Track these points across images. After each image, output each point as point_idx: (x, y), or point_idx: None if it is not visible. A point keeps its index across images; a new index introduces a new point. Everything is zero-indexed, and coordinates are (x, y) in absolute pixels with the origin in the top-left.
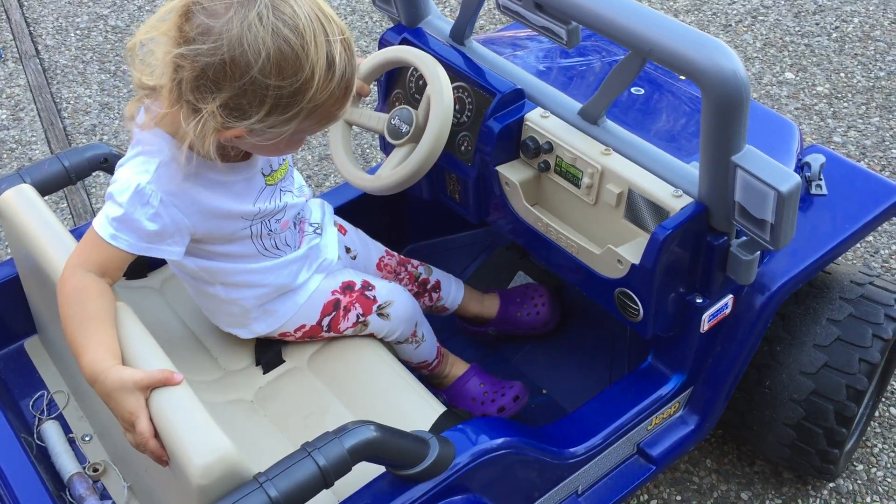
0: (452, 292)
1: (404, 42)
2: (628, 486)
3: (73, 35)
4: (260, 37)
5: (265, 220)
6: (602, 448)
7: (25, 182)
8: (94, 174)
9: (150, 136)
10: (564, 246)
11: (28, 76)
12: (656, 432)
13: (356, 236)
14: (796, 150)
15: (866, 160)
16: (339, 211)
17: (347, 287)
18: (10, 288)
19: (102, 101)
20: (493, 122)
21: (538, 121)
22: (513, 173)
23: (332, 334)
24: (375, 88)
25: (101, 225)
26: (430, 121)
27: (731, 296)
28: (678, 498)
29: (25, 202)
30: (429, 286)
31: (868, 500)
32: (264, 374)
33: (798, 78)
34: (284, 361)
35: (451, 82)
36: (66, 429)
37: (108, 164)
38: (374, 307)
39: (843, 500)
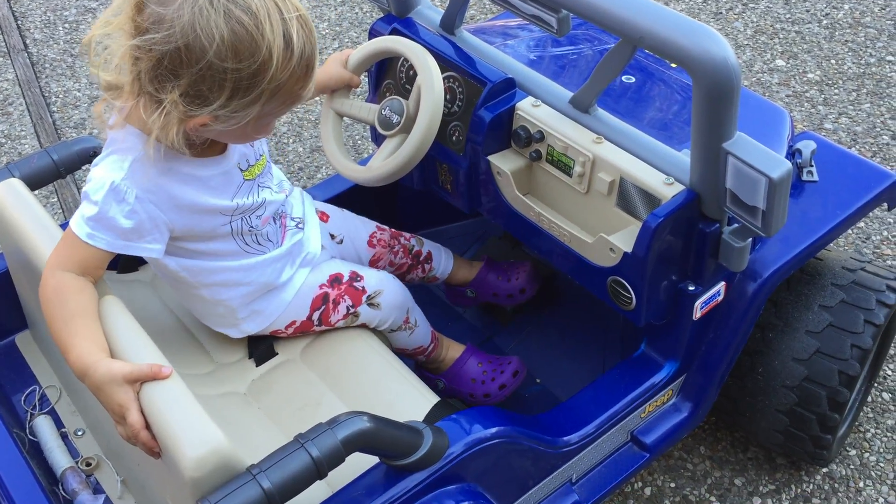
0: (443, 262)
1: (394, 32)
2: (622, 473)
3: (61, 29)
4: (212, 20)
5: (245, 217)
6: (596, 436)
7: (14, 176)
8: (83, 168)
9: (122, 134)
10: (556, 235)
11: (16, 70)
12: (650, 420)
13: (340, 219)
14: (787, 136)
15: (857, 146)
16: (329, 203)
17: (335, 280)
18: (1, 283)
19: (92, 95)
20: (484, 111)
21: (529, 110)
22: (504, 163)
23: (323, 328)
24: (366, 79)
25: (78, 225)
26: (421, 111)
27: (723, 283)
28: (672, 485)
29: (15, 197)
30: (422, 258)
31: (861, 484)
32: (257, 366)
33: (789, 65)
34: (277, 354)
35: (442, 72)
36: (59, 423)
37: (96, 157)
38: (364, 297)
39: (837, 485)
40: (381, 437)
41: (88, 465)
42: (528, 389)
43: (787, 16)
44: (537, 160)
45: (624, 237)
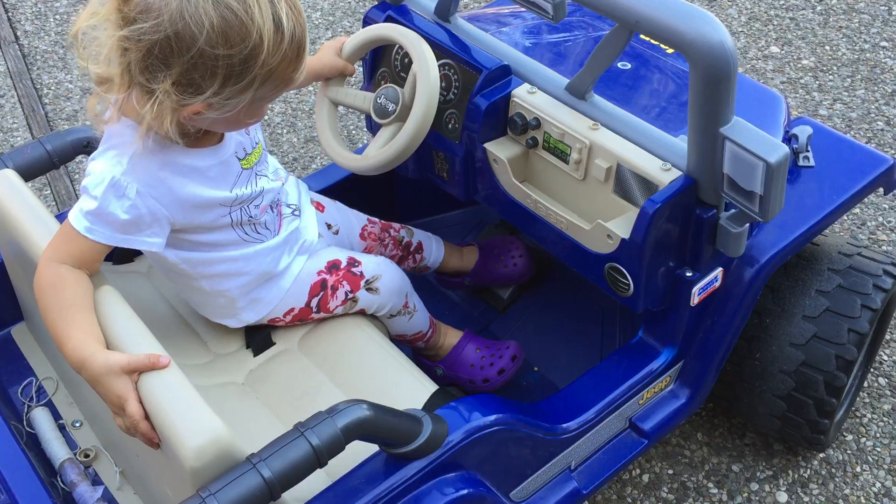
0: (434, 251)
1: (389, 19)
2: (621, 460)
3: (52, 20)
4: (201, 7)
5: (244, 207)
6: (594, 423)
7: (8, 167)
8: (77, 159)
9: (119, 128)
10: (554, 222)
11: (7, 62)
12: (648, 406)
13: (335, 210)
14: (783, 122)
15: (852, 132)
16: (325, 193)
17: (333, 266)
18: None
19: (84, 87)
20: (479, 98)
21: (525, 97)
22: (501, 150)
23: (322, 315)
24: (360, 68)
25: (76, 218)
26: (417, 99)
27: (720, 269)
28: (670, 472)
29: (9, 187)
30: (412, 248)
31: (858, 469)
32: (255, 356)
33: (783, 52)
34: (275, 344)
35: (437, 59)
36: (56, 415)
37: (90, 147)
38: (363, 283)
39: (834, 470)
40: (381, 425)
41: (87, 456)
42: (525, 377)
43: (782, 2)
44: (534, 147)
45: (621, 224)
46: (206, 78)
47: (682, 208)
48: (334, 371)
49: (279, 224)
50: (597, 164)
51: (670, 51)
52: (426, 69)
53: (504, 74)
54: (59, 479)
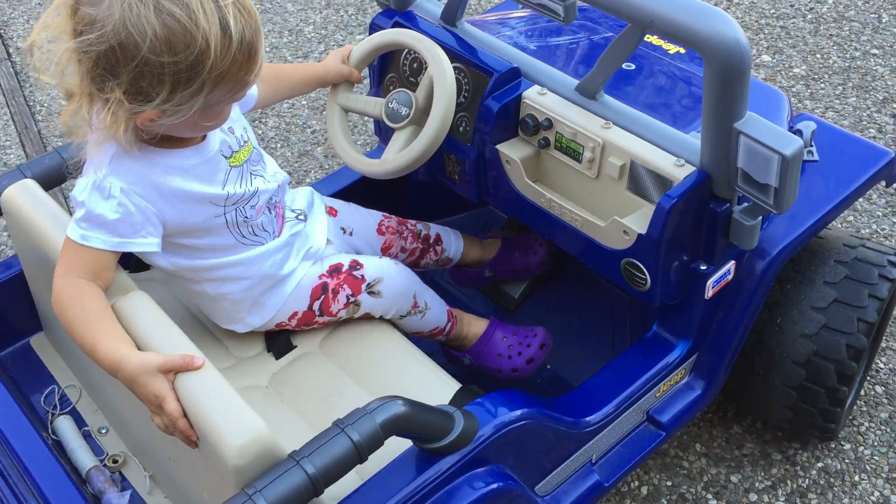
0: (453, 242)
1: (397, 26)
2: (640, 452)
3: (44, 37)
4: (143, 16)
5: (239, 208)
6: (615, 416)
7: (27, 177)
8: None
9: (92, 141)
10: (568, 220)
11: (0, 79)
12: (664, 399)
13: (348, 212)
14: (787, 118)
15: None
16: (335, 197)
17: (335, 269)
18: (15, 286)
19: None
20: (491, 101)
21: (536, 98)
22: (513, 151)
23: (326, 318)
24: (364, 74)
25: (71, 229)
26: (435, 102)
27: (733, 261)
28: (668, 483)
29: (30, 197)
30: (431, 240)
31: (856, 478)
32: (277, 359)
33: (775, 60)
34: (296, 347)
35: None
36: (81, 422)
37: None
38: (364, 286)
39: (832, 480)
40: (417, 420)
41: (115, 462)
42: (539, 375)
43: (772, 11)
44: (545, 147)
45: (637, 219)
46: (154, 85)
47: (696, 203)
48: (357, 372)
49: (279, 226)
50: (610, 162)
51: (672, 51)
52: (443, 72)
53: (514, 77)
54: (87, 487)
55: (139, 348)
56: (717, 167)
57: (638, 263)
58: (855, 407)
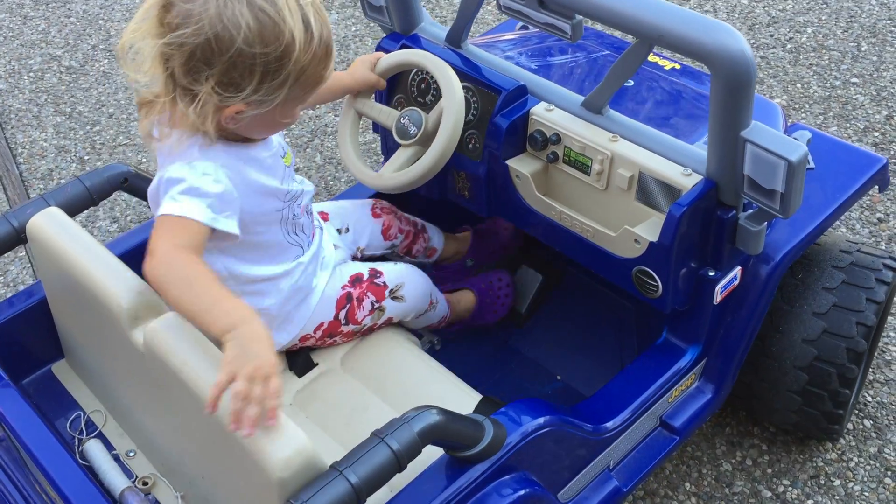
0: (435, 234)
1: (403, 48)
2: (655, 457)
3: (26, 78)
4: (237, 10)
5: (290, 204)
6: (631, 422)
7: (50, 205)
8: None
9: (176, 138)
10: (580, 232)
11: None
12: (676, 404)
13: (338, 210)
14: (782, 128)
15: None
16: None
17: (356, 279)
18: (37, 313)
19: (59, 145)
20: (500, 118)
21: (544, 114)
22: (523, 166)
23: (351, 327)
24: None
25: (168, 206)
26: (442, 128)
27: (739, 267)
28: None
29: (56, 224)
30: (419, 226)
31: None
32: (299, 378)
33: (755, 90)
34: (317, 364)
35: None
36: (109, 447)
37: (128, 183)
38: (387, 292)
39: None
40: (451, 428)
41: (145, 483)
42: (549, 386)
43: (752, 41)
44: (554, 162)
45: (648, 228)
46: (245, 76)
47: (704, 210)
48: (379, 387)
49: (313, 231)
50: (619, 173)
51: (667, 66)
52: (453, 102)
53: (521, 94)
54: None
55: (177, 369)
56: (724, 175)
57: (650, 271)
58: (843, 441)
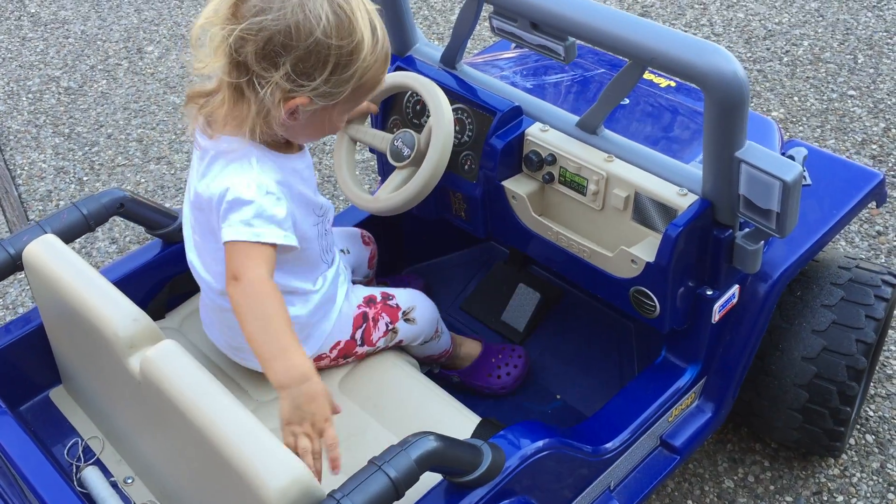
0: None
1: (398, 70)
2: (656, 477)
3: (24, 99)
4: (318, 3)
5: (322, 219)
6: (631, 442)
7: (47, 232)
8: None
9: (226, 144)
10: (576, 252)
11: None
12: (676, 423)
13: (339, 231)
14: (778, 145)
15: None
16: None
17: (370, 300)
18: (34, 340)
19: (57, 166)
20: (495, 139)
21: (539, 135)
22: (519, 187)
23: (366, 348)
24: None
25: (240, 231)
26: (431, 147)
27: (737, 286)
28: None
29: (52, 252)
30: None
31: None
32: None
33: (753, 104)
34: None
35: (451, 104)
36: (106, 473)
37: (124, 209)
38: (400, 314)
39: None
40: (449, 454)
41: None
42: (549, 405)
43: (749, 55)
44: (550, 182)
45: (644, 248)
46: (318, 66)
47: (700, 230)
48: (377, 410)
49: (335, 249)
50: (615, 193)
51: (663, 84)
52: (441, 115)
53: (516, 115)
54: None
55: (172, 397)
56: (719, 195)
57: (647, 291)
58: (846, 457)
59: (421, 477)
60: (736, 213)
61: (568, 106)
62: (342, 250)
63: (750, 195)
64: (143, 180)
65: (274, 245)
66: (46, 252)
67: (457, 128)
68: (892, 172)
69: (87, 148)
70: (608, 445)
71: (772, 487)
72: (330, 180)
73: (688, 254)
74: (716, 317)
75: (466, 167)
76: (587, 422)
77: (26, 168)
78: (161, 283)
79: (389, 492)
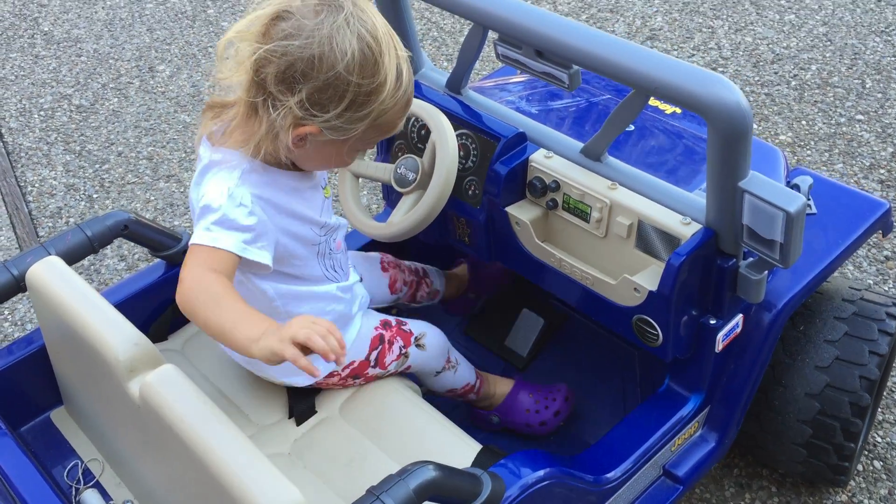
0: (436, 276)
1: None
2: None
3: (36, 116)
4: (347, 38)
5: (327, 239)
6: (633, 472)
7: (51, 254)
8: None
9: (223, 154)
10: (579, 279)
11: None
12: (679, 453)
13: (356, 257)
14: (783, 173)
15: None
16: None
17: (386, 324)
18: (36, 360)
19: (68, 183)
20: (499, 165)
21: (543, 161)
22: (522, 213)
23: (377, 371)
24: None
25: (200, 235)
26: (437, 167)
27: (740, 315)
28: None
29: (56, 274)
30: (421, 273)
31: None
32: (297, 426)
33: (760, 127)
34: (317, 412)
35: (455, 130)
36: (106, 496)
37: (128, 231)
38: (412, 339)
39: None
40: (448, 484)
41: None
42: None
43: (756, 78)
44: (553, 209)
45: (647, 276)
46: (334, 99)
47: (704, 259)
48: (378, 436)
49: (349, 268)
50: (618, 221)
51: (668, 111)
52: (444, 138)
53: (520, 141)
54: None
55: (172, 422)
56: (722, 224)
57: (650, 320)
58: (853, 483)
59: None
60: (739, 242)
61: (572, 132)
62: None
63: (753, 225)
64: (152, 198)
65: (231, 254)
66: (49, 274)
67: (461, 153)
68: None
69: (97, 165)
70: (610, 475)
71: None
72: (337, 200)
73: (691, 283)
74: (719, 346)
75: (470, 192)
76: (589, 450)
77: (37, 185)
78: (164, 305)
79: None
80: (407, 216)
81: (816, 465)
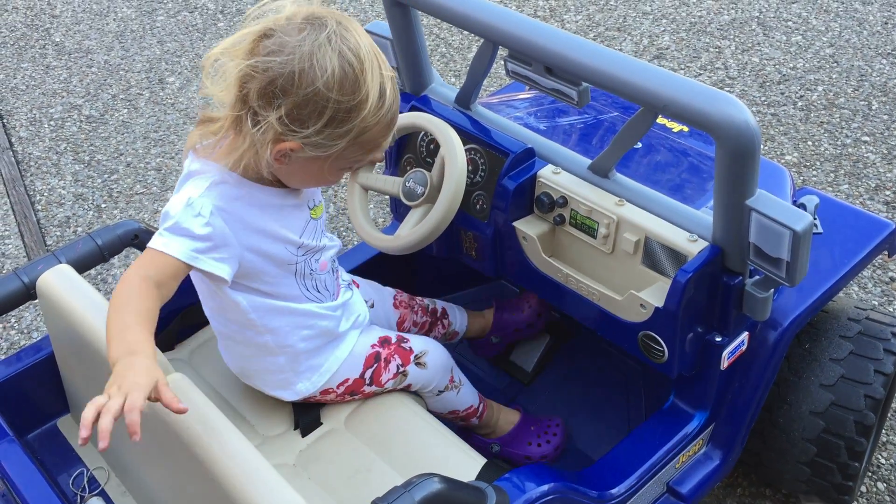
0: (458, 316)
1: (413, 109)
2: None
3: (46, 126)
4: (328, 55)
5: (308, 259)
6: (637, 488)
7: (61, 262)
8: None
9: (201, 165)
10: (586, 294)
11: (1, 169)
12: (683, 470)
13: (368, 286)
14: (790, 192)
15: None
16: (352, 272)
17: (385, 341)
18: (44, 368)
19: (76, 193)
20: (507, 180)
21: (551, 177)
22: (529, 228)
23: (374, 388)
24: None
25: (154, 239)
26: (446, 181)
27: (746, 333)
28: None
29: (66, 282)
30: (438, 314)
31: None
32: (303, 437)
33: (766, 147)
34: (322, 424)
35: (464, 144)
36: None
37: (139, 240)
38: (412, 357)
39: None
40: (452, 497)
41: None
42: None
43: (763, 98)
44: (561, 224)
45: (654, 293)
46: (314, 116)
47: (710, 276)
48: (383, 448)
49: (337, 288)
50: (625, 237)
51: (675, 129)
52: (453, 153)
53: (529, 157)
54: None
55: (178, 431)
56: (729, 242)
57: (655, 336)
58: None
59: None
60: (746, 260)
61: (581, 148)
62: (368, 302)
63: (760, 243)
64: (160, 209)
65: (178, 261)
66: (60, 282)
67: (469, 168)
68: None
69: (106, 175)
70: (614, 491)
71: None
72: (345, 213)
73: (697, 300)
74: (724, 363)
75: (478, 207)
76: (594, 466)
77: (46, 194)
78: (172, 314)
79: None
80: (415, 229)
81: (820, 484)
